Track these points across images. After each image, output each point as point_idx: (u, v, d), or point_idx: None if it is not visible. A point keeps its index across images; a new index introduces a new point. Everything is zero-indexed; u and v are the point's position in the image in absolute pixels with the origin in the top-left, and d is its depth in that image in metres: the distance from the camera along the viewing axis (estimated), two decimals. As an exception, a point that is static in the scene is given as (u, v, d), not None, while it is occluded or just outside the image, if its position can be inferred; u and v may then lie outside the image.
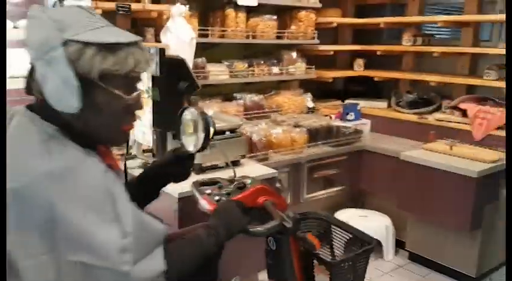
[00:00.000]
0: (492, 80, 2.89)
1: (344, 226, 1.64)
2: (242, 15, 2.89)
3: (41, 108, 0.97)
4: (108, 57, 0.92)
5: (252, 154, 2.54)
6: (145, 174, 1.36)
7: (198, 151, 1.31)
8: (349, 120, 3.47)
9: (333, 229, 1.69)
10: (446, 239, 2.71)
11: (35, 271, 0.89)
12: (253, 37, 2.98)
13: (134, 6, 2.37)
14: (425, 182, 2.69)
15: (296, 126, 2.95)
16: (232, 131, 2.13)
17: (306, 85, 3.62)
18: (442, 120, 3.09)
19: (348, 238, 1.65)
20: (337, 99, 3.79)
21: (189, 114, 1.33)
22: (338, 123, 3.22)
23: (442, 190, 2.62)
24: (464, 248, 2.63)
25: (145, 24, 2.56)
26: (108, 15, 2.08)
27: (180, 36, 2.50)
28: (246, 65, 3.00)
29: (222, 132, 2.08)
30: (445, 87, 3.33)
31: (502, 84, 2.80)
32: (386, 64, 3.79)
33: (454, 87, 3.31)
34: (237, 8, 2.85)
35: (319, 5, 3.26)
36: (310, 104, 3.39)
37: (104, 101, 0.96)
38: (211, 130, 1.28)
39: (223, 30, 2.83)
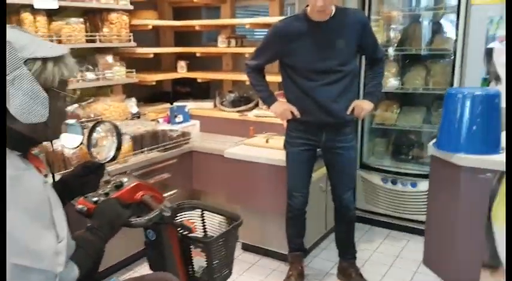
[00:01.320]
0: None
1: (215, 210, 1.91)
2: (42, 19, 2.63)
3: None
4: (62, 67, 1.10)
5: (66, 171, 2.35)
6: (54, 188, 1.31)
7: (110, 161, 1.43)
8: (178, 123, 3.49)
9: (205, 214, 1.95)
10: (271, 226, 2.93)
11: None
12: (59, 42, 2.75)
13: None
14: (247, 175, 2.87)
15: (118, 134, 2.83)
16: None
17: (132, 90, 3.51)
18: (260, 116, 3.32)
19: (218, 219, 1.92)
20: (166, 102, 3.77)
21: (103, 127, 1.46)
22: (165, 127, 3.20)
23: (262, 181, 2.83)
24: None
25: None
26: None
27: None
28: (54, 72, 2.75)
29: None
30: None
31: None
32: (209, 65, 3.93)
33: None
34: (35, 11, 2.58)
35: (131, 7, 3.17)
36: (135, 110, 3.30)
37: (60, 105, 1.14)
38: (121, 142, 1.43)
39: (20, 36, 2.54)
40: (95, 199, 1.36)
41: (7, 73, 1.01)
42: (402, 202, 3.32)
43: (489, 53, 2.77)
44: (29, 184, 1.04)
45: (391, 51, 3.38)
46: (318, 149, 2.53)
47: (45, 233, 1.02)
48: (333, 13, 2.28)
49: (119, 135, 1.40)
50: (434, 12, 3.31)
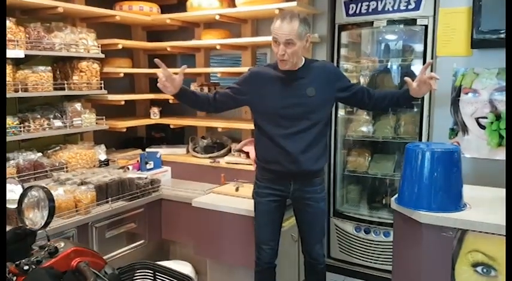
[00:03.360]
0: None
1: (167, 271, 1.75)
2: (7, 68, 2.61)
3: None
4: None
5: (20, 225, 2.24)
6: None
7: (41, 228, 1.37)
8: (149, 170, 3.44)
9: (157, 276, 1.79)
10: (242, 278, 2.82)
11: None
12: (25, 90, 2.72)
13: None
14: (215, 225, 2.78)
15: (82, 183, 2.75)
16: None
17: (104, 136, 3.46)
18: (231, 163, 3.29)
19: None
20: (139, 148, 3.72)
21: (34, 193, 1.40)
22: (133, 174, 3.13)
23: (230, 232, 2.74)
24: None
25: None
26: None
27: None
28: (17, 120, 2.70)
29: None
30: (235, 131, 3.58)
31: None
32: (184, 111, 3.91)
33: (243, 131, 3.57)
34: (-1, 60, 2.57)
35: (102, 55, 3.19)
36: (103, 157, 3.23)
37: None
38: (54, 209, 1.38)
39: (-17, 85, 2.51)
40: (26, 267, 1.29)
41: None
42: (376, 252, 3.25)
43: (456, 103, 2.82)
44: None
45: (361, 99, 3.42)
46: (288, 200, 2.49)
47: None
48: (302, 64, 2.32)
49: (51, 202, 1.35)
50: (403, 63, 3.38)
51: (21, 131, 2.70)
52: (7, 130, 2.61)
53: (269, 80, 2.33)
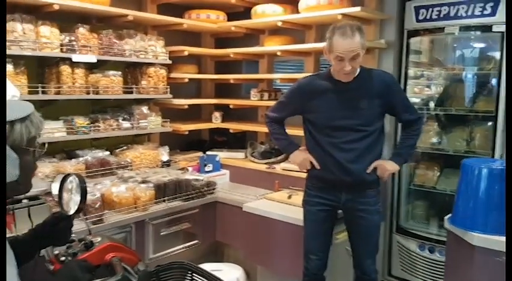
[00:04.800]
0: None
1: (204, 274, 1.70)
2: (80, 72, 2.84)
3: None
4: (29, 125, 1.14)
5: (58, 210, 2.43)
6: (25, 235, 1.39)
7: (75, 213, 1.41)
8: (208, 172, 3.53)
9: (194, 278, 1.75)
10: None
11: None
12: (96, 93, 2.94)
13: None
14: (264, 231, 2.77)
15: (143, 182, 2.90)
16: (33, 198, 2.00)
17: (170, 138, 3.63)
18: (287, 170, 3.25)
19: None
20: (201, 151, 3.83)
21: (69, 180, 1.46)
22: (190, 176, 3.22)
23: (280, 239, 2.71)
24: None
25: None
26: None
27: None
28: (88, 120, 2.93)
29: (18, 200, 1.95)
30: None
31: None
32: (246, 116, 3.98)
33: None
34: (74, 64, 2.81)
35: (169, 62, 3.34)
36: (165, 158, 3.38)
37: (28, 160, 1.17)
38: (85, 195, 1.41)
39: (59, 87, 2.76)
40: (63, 258, 1.37)
41: None
42: (440, 273, 3.00)
43: (535, 116, 2.51)
44: None
45: (431, 108, 3.21)
46: (339, 211, 2.41)
47: None
48: (357, 73, 2.24)
49: (83, 189, 1.40)
50: (479, 72, 3.10)
51: (90, 130, 2.92)
52: (78, 129, 2.85)
53: (320, 91, 2.29)
